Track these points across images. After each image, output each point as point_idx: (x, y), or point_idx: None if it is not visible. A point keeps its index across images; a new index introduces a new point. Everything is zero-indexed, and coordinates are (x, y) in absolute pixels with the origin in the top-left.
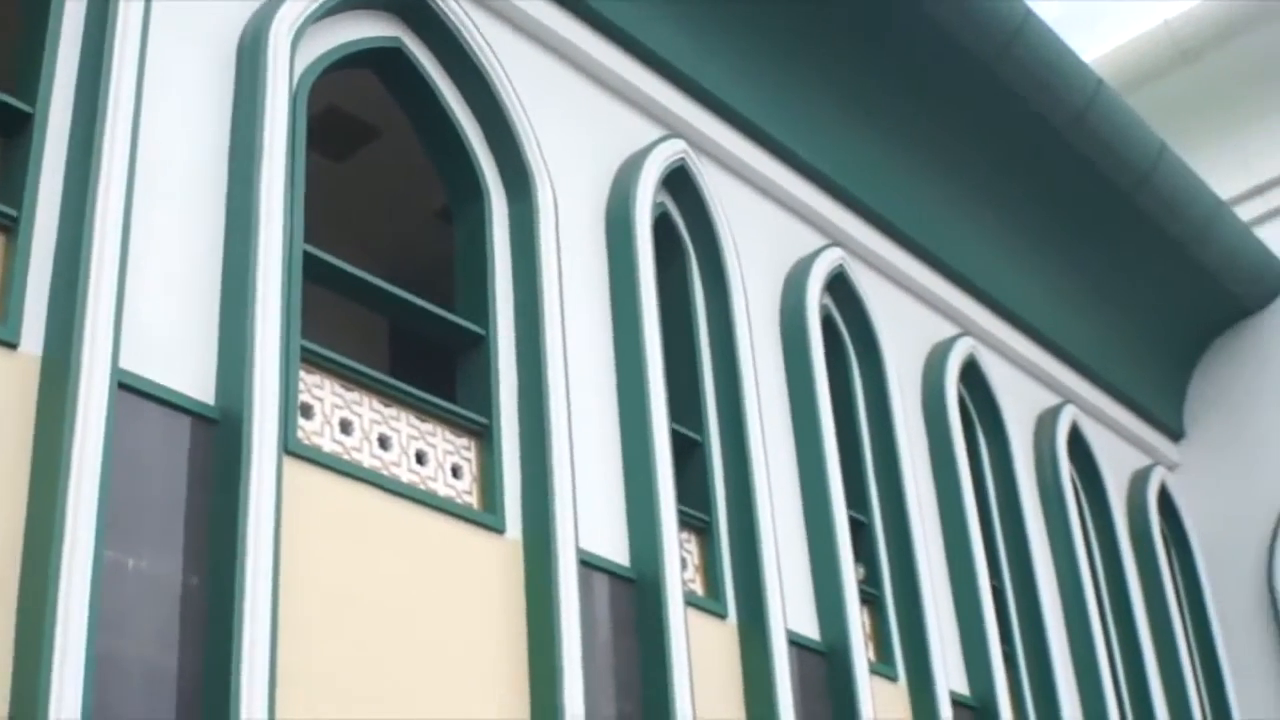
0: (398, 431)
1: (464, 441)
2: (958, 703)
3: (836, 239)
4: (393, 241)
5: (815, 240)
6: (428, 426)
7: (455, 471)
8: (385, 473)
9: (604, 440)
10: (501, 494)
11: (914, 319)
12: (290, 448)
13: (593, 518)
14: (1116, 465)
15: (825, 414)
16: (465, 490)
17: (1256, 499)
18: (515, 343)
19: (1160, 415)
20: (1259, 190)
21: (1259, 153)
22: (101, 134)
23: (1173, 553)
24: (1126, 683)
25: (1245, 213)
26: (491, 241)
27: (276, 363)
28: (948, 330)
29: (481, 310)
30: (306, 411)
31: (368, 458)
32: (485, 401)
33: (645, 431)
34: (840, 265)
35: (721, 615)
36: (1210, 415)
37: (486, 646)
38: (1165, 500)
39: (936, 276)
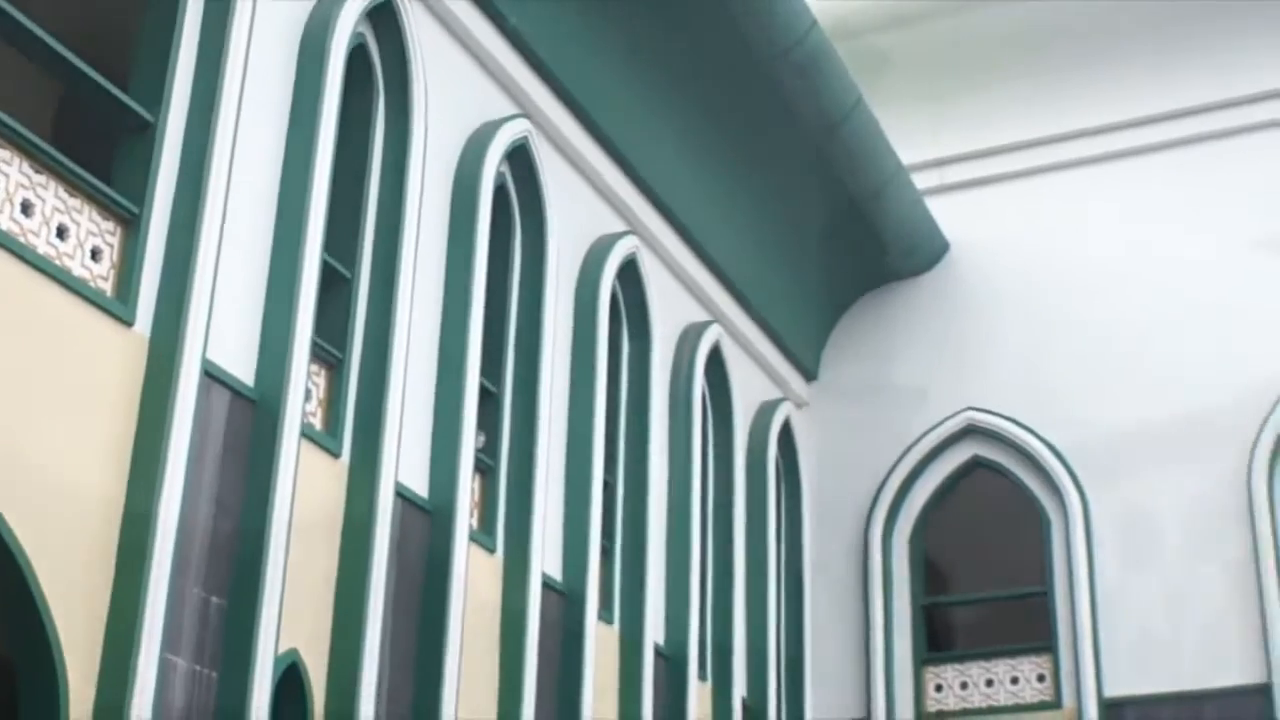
0: (43, 200)
1: (110, 226)
2: (549, 585)
3: (527, 111)
4: (82, 9)
5: (507, 107)
6: (75, 202)
7: (95, 254)
8: (22, 239)
9: (253, 256)
10: (138, 286)
11: (585, 206)
12: None
13: (226, 330)
14: (748, 392)
15: (479, 279)
16: (102, 275)
17: (870, 452)
18: (183, 139)
19: (799, 354)
20: (939, 163)
21: (948, 128)
22: None
23: (783, 485)
24: (713, 596)
25: (921, 181)
26: (180, 31)
27: None
28: (615, 226)
29: (155, 98)
30: None
31: (6, 220)
32: (140, 191)
33: (296, 256)
34: (525, 138)
35: (335, 454)
36: (845, 364)
37: (90, 438)
38: (786, 435)
39: (616, 171)
